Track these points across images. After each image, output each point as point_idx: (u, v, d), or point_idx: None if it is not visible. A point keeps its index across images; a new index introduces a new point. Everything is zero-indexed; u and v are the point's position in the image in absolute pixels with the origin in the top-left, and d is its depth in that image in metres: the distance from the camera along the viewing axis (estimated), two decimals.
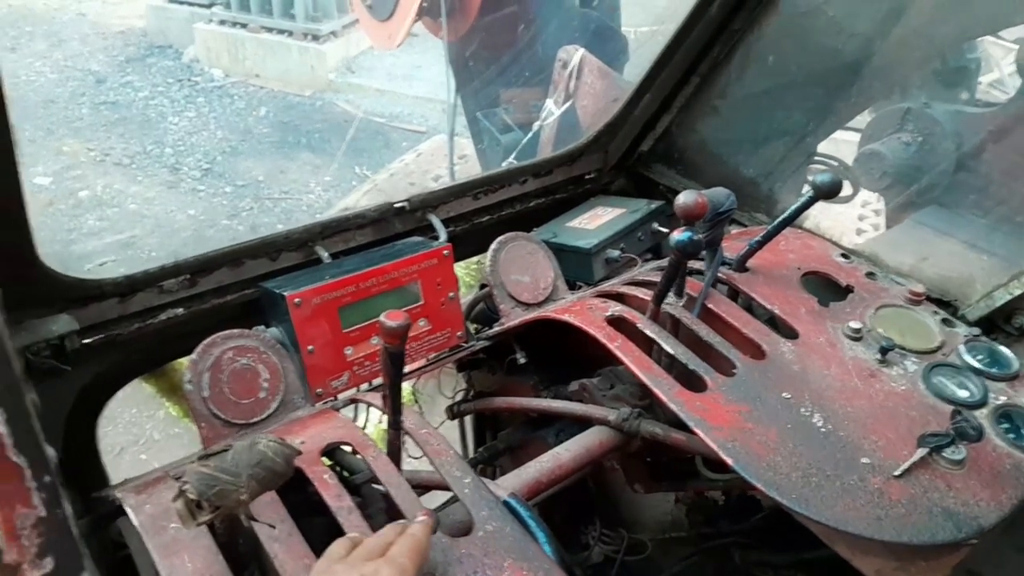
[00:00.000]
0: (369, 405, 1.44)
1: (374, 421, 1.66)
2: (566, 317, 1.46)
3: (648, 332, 1.38)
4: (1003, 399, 1.32)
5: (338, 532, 1.05)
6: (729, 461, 1.14)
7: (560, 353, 1.70)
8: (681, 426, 1.27)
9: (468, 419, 2.04)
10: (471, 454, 2.01)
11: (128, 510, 1.08)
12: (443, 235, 1.73)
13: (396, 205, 1.72)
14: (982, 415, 1.28)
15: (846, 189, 2.23)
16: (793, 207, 1.46)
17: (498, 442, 1.80)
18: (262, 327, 1.46)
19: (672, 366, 1.36)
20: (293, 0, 7.61)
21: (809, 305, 1.50)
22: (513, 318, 1.66)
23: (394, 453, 1.17)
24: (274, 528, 1.02)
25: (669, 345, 1.35)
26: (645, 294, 1.48)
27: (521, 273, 1.72)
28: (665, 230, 1.96)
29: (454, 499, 1.17)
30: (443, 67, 3.80)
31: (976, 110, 2.32)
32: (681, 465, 1.59)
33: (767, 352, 1.36)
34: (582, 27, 3.29)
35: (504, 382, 1.82)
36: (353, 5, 4.23)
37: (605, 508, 1.92)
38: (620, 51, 3.33)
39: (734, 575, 1.77)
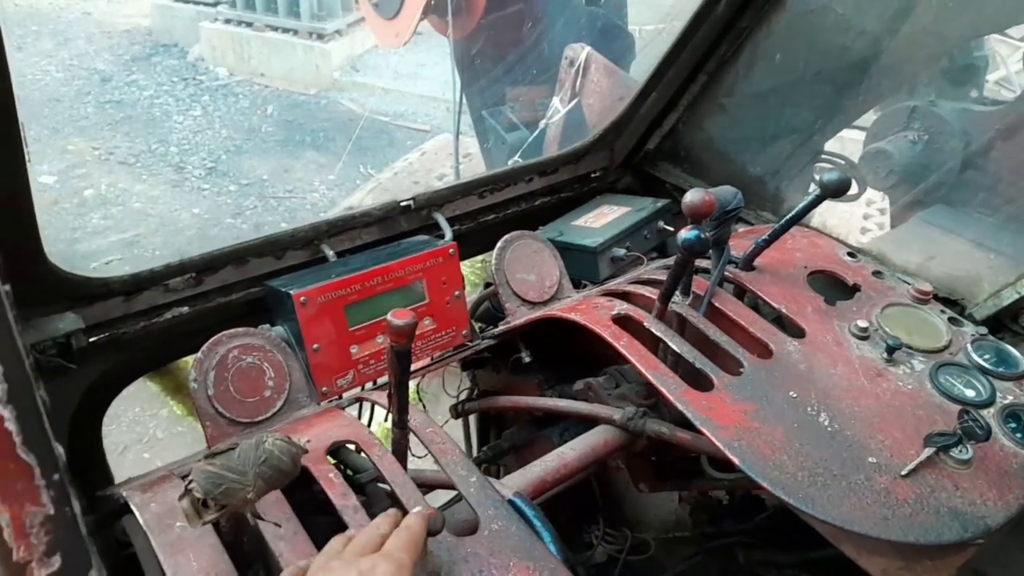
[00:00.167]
0: (374, 404, 1.44)
1: (378, 420, 1.66)
2: (572, 316, 1.46)
3: (654, 331, 1.38)
4: (1010, 398, 1.32)
5: (343, 530, 1.05)
6: (735, 460, 1.14)
7: (565, 352, 1.70)
8: (687, 425, 1.26)
9: (472, 418, 2.03)
10: (475, 453, 2.01)
11: (134, 509, 1.08)
12: (448, 234, 1.73)
13: (402, 203, 1.71)
14: (989, 414, 1.27)
15: (853, 188, 2.22)
16: (800, 206, 1.45)
17: (502, 441, 1.80)
18: (267, 326, 1.46)
19: (678, 365, 1.35)
20: None
21: (816, 304, 1.49)
22: (518, 317, 1.66)
23: (400, 452, 1.17)
24: (279, 527, 1.02)
25: (676, 344, 1.35)
26: (651, 293, 1.48)
27: (527, 272, 1.72)
28: (671, 229, 1.96)
29: (458, 497, 1.17)
30: (448, 65, 3.79)
31: (983, 108, 2.31)
32: (686, 464, 1.59)
33: (774, 351, 1.36)
34: (588, 25, 3.28)
35: (509, 381, 1.81)
36: (359, 3, 4.23)
37: (609, 507, 1.92)
38: (626, 49, 3.32)
39: (738, 575, 1.76)
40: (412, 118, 7.06)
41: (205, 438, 1.30)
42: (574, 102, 2.81)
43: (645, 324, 1.40)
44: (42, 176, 5.72)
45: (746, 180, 1.96)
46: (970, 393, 1.31)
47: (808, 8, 1.84)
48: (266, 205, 5.79)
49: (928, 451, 1.17)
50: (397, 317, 0.96)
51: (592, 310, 1.48)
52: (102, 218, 5.44)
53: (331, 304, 1.44)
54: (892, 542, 1.09)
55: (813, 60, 1.92)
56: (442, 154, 4.65)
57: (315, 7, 7.72)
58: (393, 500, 1.14)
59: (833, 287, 1.59)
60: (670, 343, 1.35)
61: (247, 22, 7.86)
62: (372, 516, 1.09)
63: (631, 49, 3.34)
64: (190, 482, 0.82)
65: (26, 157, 1.04)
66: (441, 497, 1.47)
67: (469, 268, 2.87)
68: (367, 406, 1.51)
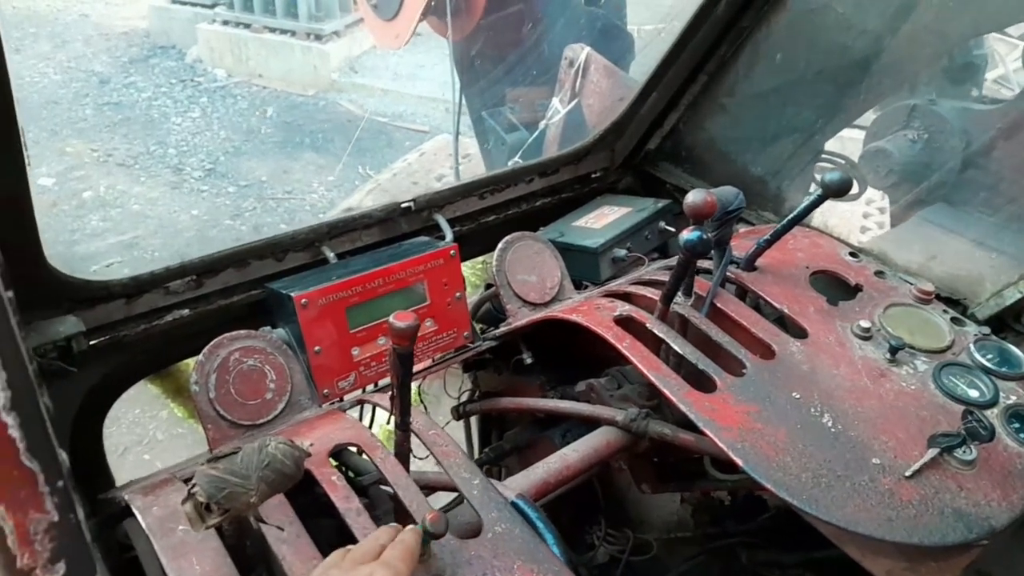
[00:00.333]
0: (376, 406, 1.43)
1: (380, 422, 1.65)
2: (574, 317, 1.45)
3: (657, 332, 1.38)
4: (1014, 398, 1.31)
5: (346, 533, 1.05)
6: (739, 462, 1.14)
7: (567, 353, 1.70)
8: (689, 426, 1.26)
9: (474, 419, 2.03)
10: (476, 454, 2.00)
11: (136, 512, 1.07)
12: (449, 235, 1.72)
13: (402, 205, 1.71)
14: (993, 415, 1.27)
15: (853, 187, 2.22)
16: (802, 206, 1.45)
17: (504, 442, 1.80)
18: (268, 328, 1.45)
19: (680, 366, 1.35)
20: (296, 0, 7.61)
21: (818, 304, 1.49)
22: (520, 318, 1.66)
23: (402, 454, 1.17)
24: (282, 530, 1.02)
25: (678, 345, 1.34)
26: (653, 294, 1.48)
27: (528, 273, 1.72)
28: (672, 229, 1.96)
29: (460, 499, 1.17)
30: (446, 66, 3.79)
31: (983, 107, 2.31)
32: (689, 465, 1.58)
33: (776, 352, 1.36)
34: (588, 25, 3.28)
35: (510, 382, 1.81)
36: (358, 5, 4.22)
37: (610, 508, 1.92)
38: (626, 49, 3.31)
39: (740, 575, 1.76)
40: (411, 119, 7.05)
41: (207, 441, 1.29)
42: (574, 103, 2.81)
43: (647, 325, 1.40)
44: (41, 178, 5.71)
45: (747, 180, 1.95)
46: (973, 393, 1.31)
47: (809, 7, 1.83)
48: (265, 206, 5.79)
49: (932, 452, 1.16)
50: (399, 319, 0.95)
51: (594, 311, 1.47)
52: (101, 220, 5.43)
53: (332, 306, 1.44)
54: (896, 543, 1.09)
55: (814, 59, 1.91)
56: (441, 155, 4.65)
57: (313, 8, 7.72)
58: (396, 503, 1.13)
59: (835, 287, 1.58)
60: (672, 344, 1.35)
61: (245, 23, 7.85)
62: (375, 518, 1.09)
63: (631, 49, 3.34)
64: (193, 486, 0.81)
65: (26, 160, 1.04)
66: (443, 499, 1.46)
67: (470, 269, 2.87)
68: (368, 408, 1.51)
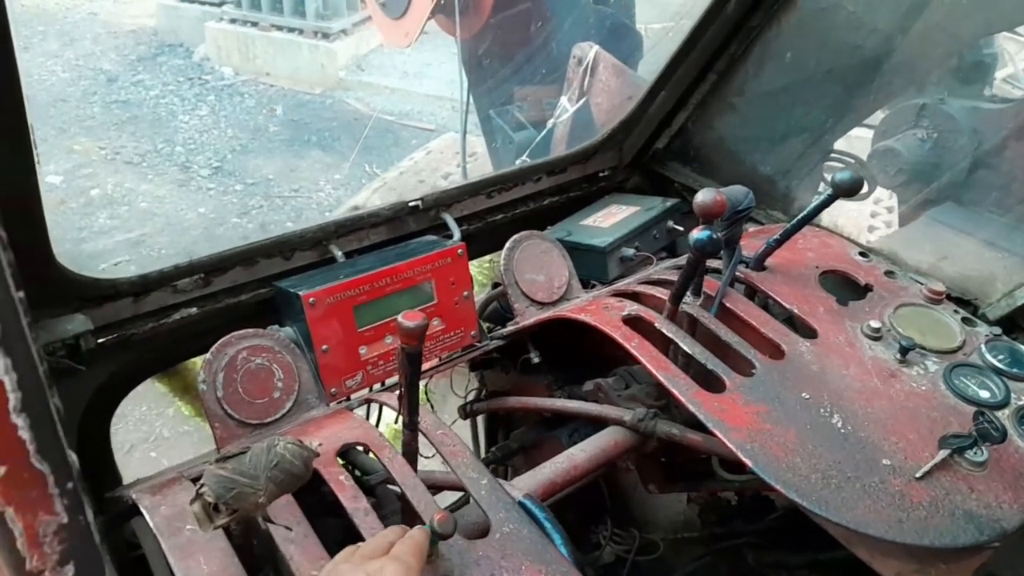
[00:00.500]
0: (383, 405, 1.43)
1: (387, 420, 1.65)
2: (582, 317, 1.45)
3: (666, 332, 1.37)
4: None
5: (354, 533, 1.04)
6: (748, 463, 1.13)
7: (574, 353, 1.69)
8: (698, 426, 1.26)
9: (480, 418, 2.03)
10: (483, 454, 2.00)
11: (144, 511, 1.08)
12: (457, 234, 1.72)
13: (410, 204, 1.71)
14: (1004, 416, 1.26)
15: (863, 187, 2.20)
16: (812, 205, 1.44)
17: (511, 442, 1.79)
18: (276, 326, 1.45)
19: (689, 366, 1.35)
20: None
21: (828, 304, 1.48)
22: (527, 317, 1.65)
23: (410, 454, 1.17)
24: (290, 530, 1.02)
25: (687, 345, 1.34)
26: (662, 293, 1.47)
27: (535, 272, 1.71)
28: (680, 228, 1.95)
29: (466, 499, 1.16)
30: (454, 64, 3.79)
31: (993, 106, 2.30)
32: (697, 466, 1.58)
33: (786, 352, 1.35)
34: (596, 24, 3.27)
35: (517, 381, 1.81)
36: (366, 3, 4.22)
37: (617, 507, 1.91)
38: (635, 48, 3.31)
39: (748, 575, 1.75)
40: (418, 117, 7.05)
41: (214, 440, 1.29)
42: (582, 101, 2.80)
43: (656, 325, 1.39)
44: (49, 176, 5.73)
45: (756, 179, 1.94)
46: (985, 394, 1.30)
47: (819, 6, 1.82)
48: (272, 204, 5.80)
49: (943, 453, 1.16)
50: (408, 319, 0.95)
51: (602, 311, 1.47)
52: (108, 218, 5.44)
53: (340, 305, 1.44)
54: (906, 545, 1.08)
55: (824, 58, 1.90)
56: (448, 153, 4.64)
57: (320, 6, 7.72)
58: (403, 502, 1.13)
59: (845, 287, 1.57)
60: (682, 344, 1.34)
61: (252, 22, 7.86)
62: (382, 518, 1.09)
63: (639, 48, 3.33)
64: (201, 486, 0.81)
65: (35, 159, 1.04)
66: (449, 498, 1.46)
67: (477, 268, 2.86)
68: (376, 407, 1.51)
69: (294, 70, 7.66)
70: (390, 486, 1.23)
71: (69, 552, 0.47)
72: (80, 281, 1.30)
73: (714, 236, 1.21)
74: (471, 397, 1.92)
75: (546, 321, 1.59)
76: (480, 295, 1.85)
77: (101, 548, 0.49)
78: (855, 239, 1.73)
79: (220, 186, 5.95)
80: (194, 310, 1.48)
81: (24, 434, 0.43)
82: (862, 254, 1.65)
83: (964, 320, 1.47)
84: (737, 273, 1.51)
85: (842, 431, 1.21)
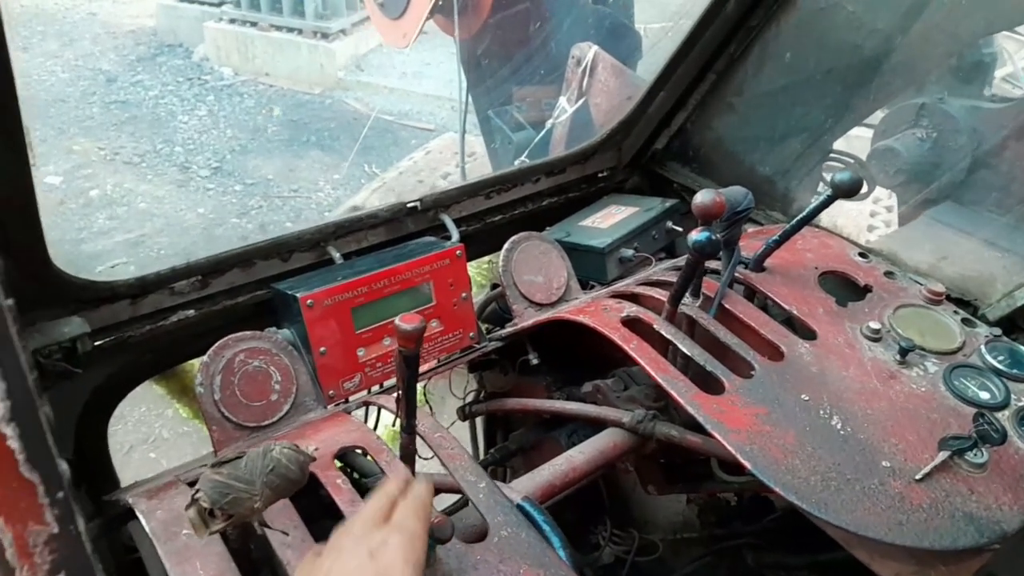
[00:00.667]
0: (381, 408, 1.43)
1: (385, 423, 1.65)
2: (581, 318, 1.44)
3: (664, 333, 1.37)
4: None
5: None
6: (747, 465, 1.13)
7: (573, 354, 1.69)
8: (697, 428, 1.25)
9: (479, 420, 2.02)
10: (482, 455, 2.00)
11: (140, 516, 1.07)
12: (455, 235, 1.71)
13: (408, 205, 1.70)
14: (1004, 417, 1.25)
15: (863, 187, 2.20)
16: (811, 206, 1.44)
17: (510, 443, 1.79)
18: (274, 329, 1.45)
19: (688, 368, 1.34)
20: None
21: (827, 305, 1.48)
22: (526, 319, 1.65)
23: (408, 457, 1.16)
24: (287, 535, 1.01)
25: (686, 347, 1.33)
26: (660, 294, 1.47)
27: (534, 273, 1.71)
28: (679, 229, 1.94)
29: (463, 501, 1.16)
30: (453, 64, 3.78)
31: (993, 105, 2.29)
32: (696, 467, 1.57)
33: (785, 353, 1.34)
34: (595, 24, 3.27)
35: (516, 383, 1.80)
36: (365, 3, 4.22)
37: (616, 508, 1.91)
38: (634, 48, 3.30)
39: None
40: (417, 117, 7.05)
41: (211, 442, 1.29)
42: (581, 101, 2.79)
43: (655, 326, 1.38)
44: (48, 176, 5.73)
45: (755, 180, 1.94)
46: (985, 395, 1.30)
47: (818, 6, 1.82)
48: (271, 205, 5.79)
49: (943, 455, 1.15)
50: (406, 322, 0.94)
51: (601, 312, 1.46)
52: (108, 218, 5.44)
53: (338, 307, 1.43)
54: (906, 547, 1.07)
55: (823, 58, 1.90)
56: (447, 153, 4.64)
57: (319, 6, 7.72)
58: None
59: (845, 288, 1.57)
60: (681, 346, 1.34)
61: (252, 22, 7.85)
62: None
63: (638, 48, 3.33)
64: (197, 491, 0.81)
65: (31, 161, 1.03)
66: (446, 500, 1.46)
67: (476, 269, 2.86)
68: (374, 409, 1.50)
69: (293, 70, 7.65)
70: None
71: (60, 562, 0.47)
72: (77, 283, 1.29)
73: (713, 237, 1.21)
74: (470, 398, 1.91)
75: (545, 323, 1.58)
76: (479, 296, 1.85)
77: (92, 557, 0.49)
78: (855, 239, 1.73)
79: (219, 186, 5.94)
80: (192, 312, 1.48)
81: (13, 444, 0.43)
82: (862, 255, 1.65)
83: (964, 321, 1.47)
84: (736, 274, 1.51)
85: (842, 433, 1.20)
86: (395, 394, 1.09)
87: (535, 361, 1.70)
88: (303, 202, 5.84)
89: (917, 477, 1.13)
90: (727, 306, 1.44)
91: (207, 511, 0.81)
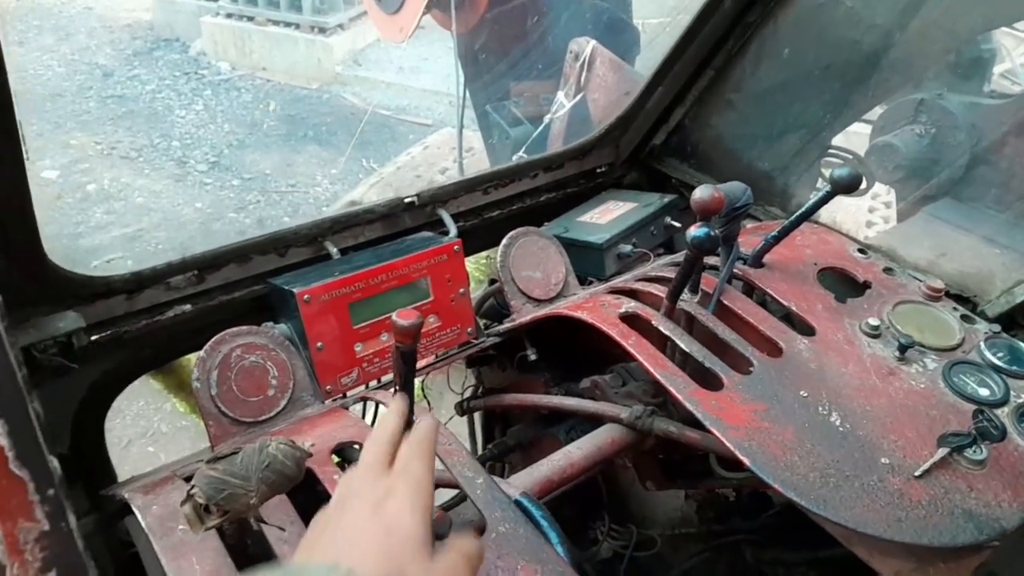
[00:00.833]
0: (379, 403, 1.42)
1: None
2: (579, 314, 1.44)
3: (663, 329, 1.36)
4: None
5: None
6: (746, 461, 1.12)
7: (571, 349, 1.68)
8: (695, 424, 1.25)
9: (477, 415, 2.02)
10: (480, 451, 1.99)
11: (135, 511, 1.07)
12: (453, 230, 1.71)
13: (406, 200, 1.70)
14: (1003, 414, 1.25)
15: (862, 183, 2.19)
16: (810, 202, 1.43)
17: (508, 439, 1.79)
18: (271, 324, 1.44)
19: (687, 364, 1.34)
20: None
21: (826, 301, 1.47)
22: (524, 314, 1.64)
23: None
24: (284, 530, 1.01)
25: (684, 343, 1.33)
26: (659, 290, 1.46)
27: (532, 269, 1.70)
28: (678, 224, 1.94)
29: (461, 497, 1.15)
30: (451, 59, 3.77)
31: (991, 101, 2.29)
32: (694, 463, 1.57)
33: (784, 350, 1.34)
34: (594, 19, 3.26)
35: (514, 378, 1.80)
36: None
37: (614, 503, 1.91)
38: (632, 43, 3.29)
39: (745, 573, 1.75)
40: (415, 112, 7.04)
41: (208, 438, 1.28)
42: (579, 97, 2.79)
43: (653, 323, 1.38)
44: (45, 171, 5.71)
45: (754, 176, 1.93)
46: (984, 392, 1.29)
47: (817, 2, 1.81)
48: (269, 199, 5.78)
49: (942, 452, 1.15)
50: (403, 317, 0.94)
51: (599, 308, 1.46)
52: (105, 213, 5.43)
53: (335, 302, 1.43)
54: (905, 544, 1.07)
55: (822, 54, 1.89)
56: (444, 148, 4.62)
57: (317, 1, 7.70)
58: None
59: (843, 284, 1.57)
60: (679, 342, 1.33)
61: (249, 16, 7.83)
62: None
63: (636, 43, 3.32)
64: (192, 487, 0.80)
65: (24, 155, 1.03)
66: (442, 495, 1.45)
67: (474, 265, 2.86)
68: (371, 404, 1.50)
69: (291, 65, 7.63)
70: None
71: (51, 559, 0.46)
72: (72, 279, 1.28)
73: (712, 233, 1.20)
74: (468, 394, 1.91)
75: (543, 318, 1.58)
76: (477, 292, 1.85)
77: (84, 555, 0.48)
78: (854, 235, 1.72)
79: (217, 181, 5.93)
80: (188, 307, 1.47)
81: (2, 440, 0.43)
82: (861, 251, 1.65)
83: (963, 317, 1.47)
84: (735, 270, 1.51)
85: (841, 429, 1.20)
86: (392, 389, 1.08)
87: (533, 357, 1.69)
88: (301, 197, 5.83)
89: (916, 474, 1.13)
90: (726, 302, 1.43)
91: (203, 507, 0.81)
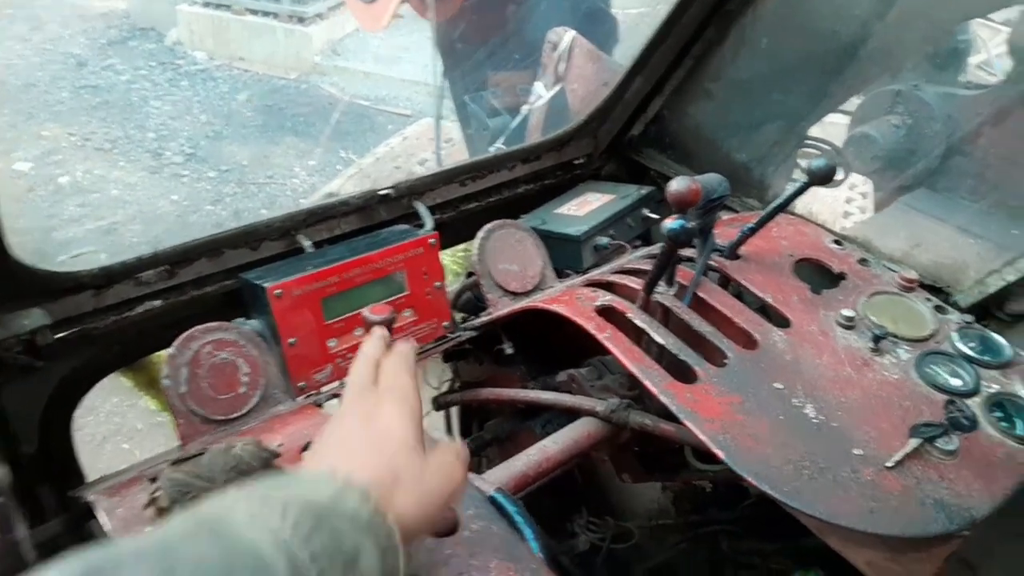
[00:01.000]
0: None
1: None
2: (555, 307, 1.43)
3: (638, 322, 1.36)
4: (995, 387, 1.30)
5: None
6: (720, 454, 1.12)
7: (548, 343, 1.67)
8: (671, 416, 1.24)
9: (454, 410, 2.01)
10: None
11: (100, 514, 1.04)
12: (429, 223, 1.69)
13: (381, 192, 1.68)
14: (975, 404, 1.26)
15: (837, 173, 2.20)
16: (786, 194, 1.43)
17: (485, 433, 1.77)
18: (242, 319, 1.42)
19: (663, 356, 1.33)
20: None
21: (801, 293, 1.47)
22: (501, 308, 1.63)
23: None
24: None
25: (659, 335, 1.32)
26: (635, 283, 1.46)
27: (509, 262, 1.69)
28: (656, 216, 1.93)
29: None
30: (431, 49, 3.74)
31: (967, 92, 2.30)
32: (670, 456, 1.57)
33: (759, 341, 1.34)
34: (572, 8, 3.24)
35: (491, 372, 1.79)
36: None
37: (592, 496, 1.90)
38: (610, 33, 3.28)
39: (723, 563, 1.75)
40: (394, 102, 6.98)
41: (178, 436, 1.26)
42: (558, 87, 2.77)
43: (629, 315, 1.37)
44: (17, 163, 5.61)
45: (732, 166, 1.93)
46: (956, 382, 1.30)
47: None
48: (246, 191, 5.72)
49: (914, 442, 1.15)
50: (374, 313, 0.93)
51: (575, 301, 1.45)
52: (79, 205, 5.34)
53: (308, 296, 1.41)
54: (878, 535, 1.08)
55: (800, 44, 1.89)
56: (424, 139, 4.58)
57: None
58: None
59: (819, 275, 1.57)
60: (654, 335, 1.33)
61: (226, 5, 7.72)
62: None
63: (615, 33, 3.30)
64: (156, 490, 0.79)
65: None
66: None
67: (451, 257, 2.84)
68: None
69: (269, 54, 7.54)
70: None
71: None
72: (37, 274, 1.25)
73: (687, 225, 1.20)
74: (445, 388, 1.90)
75: (519, 312, 1.57)
76: (454, 284, 1.83)
77: (32, 566, 0.47)
78: (831, 225, 1.72)
79: (193, 173, 5.85)
80: (159, 303, 1.44)
81: None
82: (836, 242, 1.65)
83: (936, 308, 1.47)
84: (711, 262, 1.50)
85: (815, 421, 1.20)
86: None
87: (510, 351, 1.68)
88: (278, 188, 5.77)
89: (888, 464, 1.14)
90: (701, 294, 1.43)
91: (166, 509, 0.79)
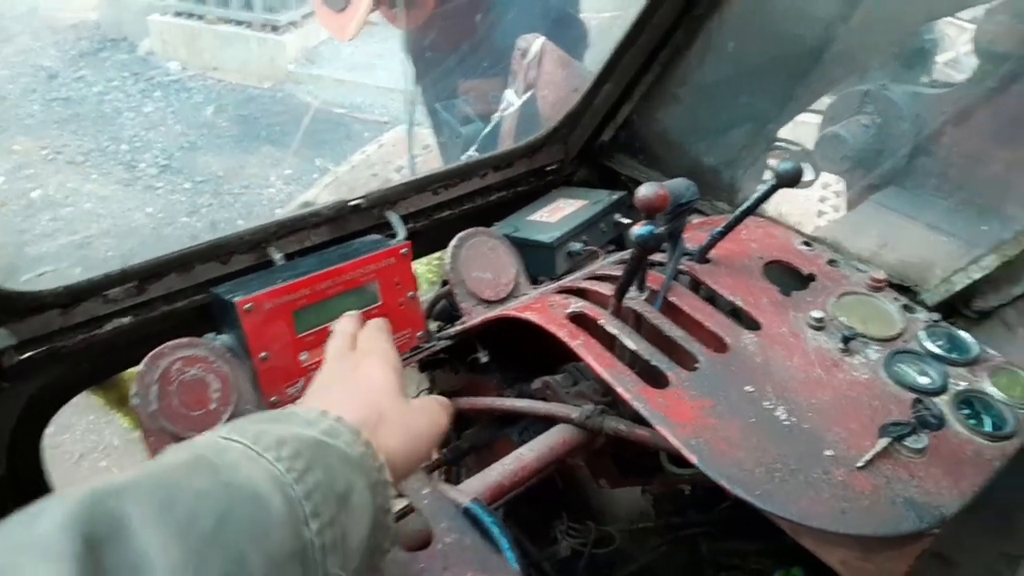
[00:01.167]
0: None
1: None
2: (527, 315, 1.43)
3: (610, 328, 1.36)
4: (963, 384, 1.32)
5: None
6: (693, 459, 1.13)
7: (523, 351, 1.67)
8: (645, 422, 1.25)
9: None
10: (435, 456, 1.97)
11: None
12: (401, 233, 1.68)
13: (351, 203, 1.67)
14: (943, 401, 1.27)
15: (808, 174, 2.22)
16: (754, 196, 1.44)
17: (462, 442, 1.77)
18: (213, 335, 1.41)
19: (635, 362, 1.34)
20: None
21: (771, 295, 1.48)
22: (474, 316, 1.63)
23: None
24: None
25: (631, 341, 1.33)
26: (607, 289, 1.46)
27: (483, 270, 1.69)
28: (627, 221, 1.94)
29: (409, 508, 1.14)
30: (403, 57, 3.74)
31: (934, 91, 2.34)
32: (647, 460, 1.57)
33: (729, 345, 1.35)
34: (541, 14, 3.24)
35: (467, 381, 1.79)
36: None
37: (572, 501, 1.91)
38: (580, 39, 3.29)
39: (703, 564, 1.76)
40: (369, 110, 6.96)
41: (148, 455, 1.25)
42: (528, 94, 2.77)
43: (600, 322, 1.38)
44: None
45: (701, 170, 1.94)
46: (924, 381, 1.31)
47: None
48: (222, 202, 5.68)
49: (883, 442, 1.16)
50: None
51: (548, 308, 1.45)
52: (51, 220, 5.28)
53: (279, 310, 1.40)
54: (850, 534, 1.08)
55: (767, 48, 1.91)
56: (400, 146, 4.60)
57: None
58: None
59: (789, 277, 1.58)
60: (626, 340, 1.33)
61: (198, 15, 7.68)
62: None
63: (585, 39, 3.31)
64: None
65: None
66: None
67: (426, 266, 2.84)
68: None
69: (243, 64, 7.51)
70: None
71: None
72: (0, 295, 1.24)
73: (655, 231, 1.20)
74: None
75: (491, 321, 1.57)
76: (429, 294, 1.83)
77: None
78: (805, 226, 1.74)
79: (168, 185, 5.81)
80: (128, 320, 1.43)
81: None
82: (805, 243, 1.66)
83: (904, 307, 1.49)
84: (681, 266, 1.51)
85: (786, 423, 1.21)
86: None
87: (485, 359, 1.68)
88: (254, 198, 5.74)
89: (859, 464, 1.14)
90: (672, 299, 1.44)
91: None
